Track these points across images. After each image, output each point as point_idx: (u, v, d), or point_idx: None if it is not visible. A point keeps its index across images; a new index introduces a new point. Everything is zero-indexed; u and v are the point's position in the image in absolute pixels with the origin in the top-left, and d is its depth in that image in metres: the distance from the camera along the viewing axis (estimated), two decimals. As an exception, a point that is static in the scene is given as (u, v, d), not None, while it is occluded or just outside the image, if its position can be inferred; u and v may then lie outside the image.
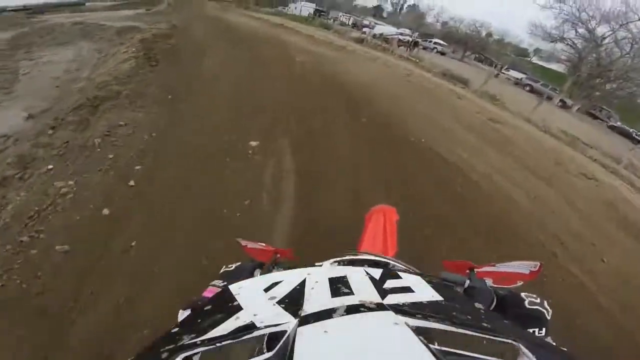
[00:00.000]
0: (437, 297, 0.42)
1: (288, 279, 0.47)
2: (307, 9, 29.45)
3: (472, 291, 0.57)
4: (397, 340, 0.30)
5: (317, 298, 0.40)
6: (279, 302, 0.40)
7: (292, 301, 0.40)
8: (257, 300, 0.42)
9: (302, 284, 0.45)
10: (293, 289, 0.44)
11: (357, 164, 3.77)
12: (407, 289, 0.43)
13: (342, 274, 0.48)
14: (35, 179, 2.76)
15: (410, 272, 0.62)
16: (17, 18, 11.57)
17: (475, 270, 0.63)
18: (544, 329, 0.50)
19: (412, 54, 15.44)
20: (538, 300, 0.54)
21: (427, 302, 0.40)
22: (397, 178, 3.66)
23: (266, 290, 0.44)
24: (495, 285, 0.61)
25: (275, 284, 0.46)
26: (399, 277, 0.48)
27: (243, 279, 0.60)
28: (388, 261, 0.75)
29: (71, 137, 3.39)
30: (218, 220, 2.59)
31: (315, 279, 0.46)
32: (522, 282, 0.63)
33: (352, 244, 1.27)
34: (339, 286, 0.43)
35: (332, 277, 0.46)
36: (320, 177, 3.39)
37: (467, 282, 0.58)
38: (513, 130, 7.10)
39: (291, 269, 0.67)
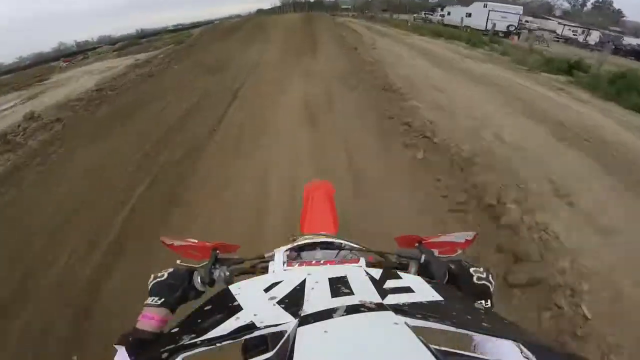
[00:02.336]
0: (437, 297, 0.42)
1: (288, 279, 0.47)
2: (481, 17, 17.11)
3: (428, 266, 0.60)
4: (397, 340, 0.30)
5: (317, 298, 0.40)
6: (279, 302, 0.40)
7: (292, 301, 0.40)
8: (257, 301, 0.42)
9: (302, 284, 0.45)
10: (293, 289, 0.44)
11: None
12: (407, 289, 0.43)
13: (342, 274, 0.48)
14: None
15: (363, 250, 0.67)
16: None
17: (423, 242, 0.68)
18: (489, 301, 0.55)
19: None
20: (484, 275, 0.58)
21: (427, 302, 0.40)
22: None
23: (266, 290, 0.44)
24: (442, 256, 0.66)
25: (275, 284, 0.46)
26: (399, 277, 0.48)
27: (181, 289, 0.59)
28: (340, 241, 0.73)
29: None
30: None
31: (315, 279, 0.46)
32: (460, 251, 0.71)
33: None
34: (339, 286, 0.43)
35: (332, 277, 0.46)
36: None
37: (423, 256, 0.62)
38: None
39: (237, 265, 0.66)
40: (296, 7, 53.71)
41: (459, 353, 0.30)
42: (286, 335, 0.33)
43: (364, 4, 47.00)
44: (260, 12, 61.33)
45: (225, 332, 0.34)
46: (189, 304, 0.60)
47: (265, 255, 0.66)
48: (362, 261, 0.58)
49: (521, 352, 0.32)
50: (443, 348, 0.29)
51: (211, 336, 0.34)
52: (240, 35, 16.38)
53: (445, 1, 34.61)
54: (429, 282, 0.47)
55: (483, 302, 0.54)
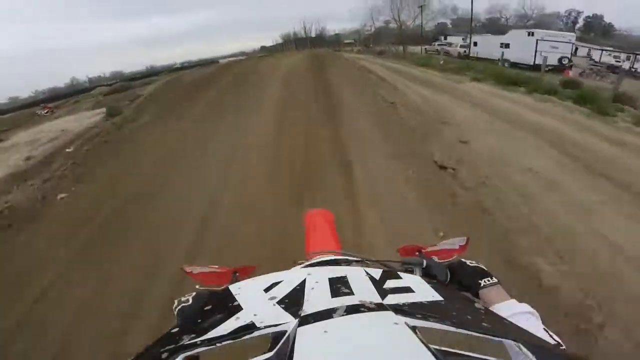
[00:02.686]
0: (437, 297, 0.42)
1: (288, 279, 0.47)
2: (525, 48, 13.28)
3: (430, 269, 0.65)
4: (397, 340, 0.30)
5: (317, 298, 0.40)
6: (279, 302, 0.40)
7: (292, 301, 0.40)
8: (257, 301, 0.42)
9: (302, 284, 0.45)
10: (293, 289, 0.44)
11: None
12: (407, 289, 0.43)
13: (342, 274, 0.48)
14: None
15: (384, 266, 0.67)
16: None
17: (423, 251, 0.73)
18: (493, 277, 0.59)
19: None
20: (474, 262, 0.65)
21: (427, 302, 0.40)
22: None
23: (266, 290, 0.44)
24: (440, 260, 0.71)
25: (275, 284, 0.46)
26: (399, 277, 0.48)
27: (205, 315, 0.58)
28: (346, 257, 0.76)
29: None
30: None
31: (316, 279, 0.46)
32: (456, 255, 0.76)
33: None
34: (339, 286, 0.43)
35: (332, 277, 0.46)
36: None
37: (424, 261, 0.67)
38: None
39: None
40: (298, 44, 50.65)
41: (459, 353, 0.30)
42: (286, 335, 0.33)
43: (367, 37, 42.41)
44: (264, 49, 59.00)
45: (225, 332, 0.34)
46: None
47: None
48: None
49: (521, 352, 0.32)
50: (443, 348, 0.29)
51: (211, 336, 0.34)
52: (216, 95, 11.12)
53: (444, 30, 32.00)
54: (428, 282, 0.47)
55: (488, 279, 0.59)
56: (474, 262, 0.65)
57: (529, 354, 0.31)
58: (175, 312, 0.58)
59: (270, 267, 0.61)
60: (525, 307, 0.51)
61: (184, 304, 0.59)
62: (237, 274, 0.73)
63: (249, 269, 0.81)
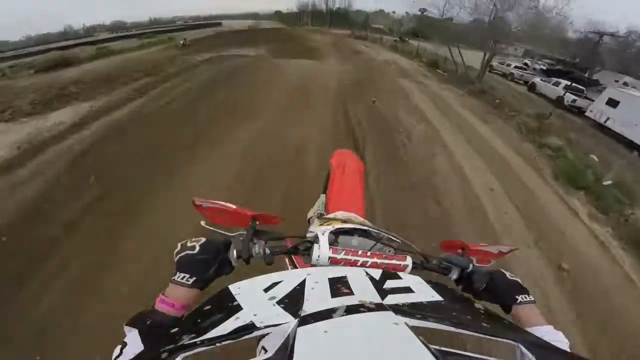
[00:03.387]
0: (437, 297, 0.42)
1: (288, 279, 0.47)
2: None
3: (473, 275, 0.62)
4: (397, 340, 0.30)
5: (317, 298, 0.40)
6: (279, 302, 0.40)
7: (292, 301, 0.40)
8: (257, 300, 0.42)
9: (302, 284, 0.45)
10: (293, 289, 0.44)
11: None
12: (407, 290, 0.43)
13: (342, 274, 0.48)
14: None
15: (412, 251, 0.64)
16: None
17: (466, 248, 0.69)
18: (530, 295, 0.57)
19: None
20: (514, 275, 0.62)
21: (427, 302, 0.40)
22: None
23: (266, 290, 0.44)
24: (480, 265, 0.67)
25: (275, 284, 0.46)
26: (398, 277, 0.48)
27: (215, 265, 0.51)
28: (379, 232, 0.69)
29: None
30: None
31: (315, 279, 0.46)
32: (494, 261, 0.73)
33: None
34: (338, 286, 0.43)
35: (332, 277, 0.46)
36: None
37: (471, 266, 0.63)
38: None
39: (277, 241, 0.59)
40: (314, 17, 40.90)
41: (459, 353, 0.30)
42: (286, 335, 0.33)
43: (405, 29, 31.03)
44: (279, 15, 51.31)
45: (225, 332, 0.34)
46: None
47: (307, 235, 0.63)
48: (409, 259, 0.57)
49: (521, 352, 0.32)
50: (443, 348, 0.29)
51: (211, 336, 0.34)
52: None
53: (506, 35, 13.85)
54: (428, 282, 0.47)
55: (525, 295, 0.56)
56: (513, 275, 0.61)
57: (529, 354, 0.31)
58: (176, 259, 0.51)
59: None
60: (561, 336, 0.49)
61: (188, 251, 0.51)
62: (257, 221, 0.61)
63: (272, 218, 0.68)
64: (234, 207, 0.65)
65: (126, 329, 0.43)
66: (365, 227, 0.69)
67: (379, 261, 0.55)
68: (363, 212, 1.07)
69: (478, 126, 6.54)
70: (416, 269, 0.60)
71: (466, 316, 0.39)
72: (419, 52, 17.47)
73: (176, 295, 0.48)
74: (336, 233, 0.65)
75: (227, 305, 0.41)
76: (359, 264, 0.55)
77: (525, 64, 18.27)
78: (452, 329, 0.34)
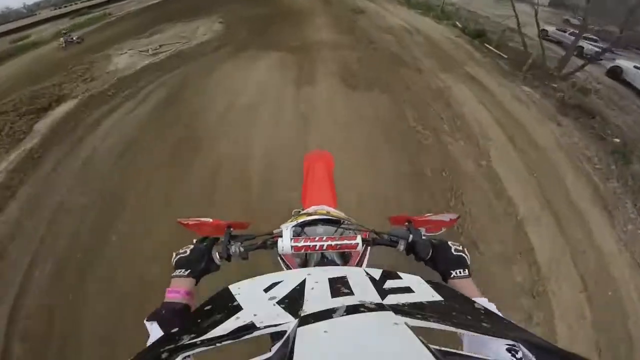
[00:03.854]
0: (437, 297, 0.42)
1: (288, 279, 0.47)
2: None
3: (415, 245, 0.67)
4: (397, 340, 0.30)
5: (317, 298, 0.40)
6: (279, 302, 0.40)
7: (292, 301, 0.40)
8: (257, 301, 0.42)
9: (302, 284, 0.45)
10: (293, 289, 0.44)
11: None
12: (407, 289, 0.43)
13: (342, 274, 0.48)
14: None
15: (361, 230, 0.72)
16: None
17: (412, 221, 0.73)
18: (467, 270, 0.62)
19: None
20: (460, 248, 0.66)
21: (427, 302, 0.40)
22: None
23: (266, 290, 0.44)
24: (428, 234, 0.72)
25: (275, 284, 0.46)
26: (399, 277, 0.48)
27: (204, 263, 0.66)
28: (339, 218, 0.81)
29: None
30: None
31: (315, 279, 0.46)
32: (444, 229, 0.80)
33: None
34: (338, 286, 0.43)
35: (332, 277, 0.46)
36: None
37: (410, 236, 0.68)
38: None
39: (249, 241, 0.71)
40: None
41: (458, 353, 0.30)
42: (286, 335, 0.33)
43: None
44: None
45: (225, 332, 0.34)
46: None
47: (274, 232, 0.71)
48: (359, 238, 0.62)
49: (520, 352, 0.32)
50: (443, 348, 0.29)
51: (211, 336, 0.34)
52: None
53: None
54: (428, 282, 0.47)
55: (460, 270, 0.62)
56: (459, 246, 0.66)
57: (529, 353, 0.31)
58: (173, 263, 0.65)
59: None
60: (494, 308, 0.53)
61: (181, 255, 0.66)
62: (231, 228, 0.74)
63: (243, 224, 0.82)
64: (211, 220, 0.79)
65: (147, 324, 0.53)
66: (327, 217, 0.82)
67: (332, 243, 0.62)
68: (334, 203, 1.23)
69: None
70: (368, 244, 0.70)
71: (466, 316, 0.39)
72: (444, 8, 11.08)
73: (178, 285, 0.61)
74: (302, 225, 0.79)
75: (227, 305, 0.41)
76: (317, 247, 0.62)
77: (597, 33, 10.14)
78: (452, 329, 0.34)
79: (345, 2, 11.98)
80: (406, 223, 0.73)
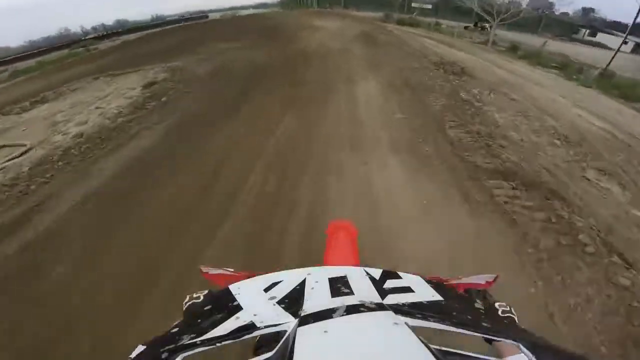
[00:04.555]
0: (437, 297, 0.42)
1: (288, 279, 0.47)
2: None
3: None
4: (397, 340, 0.30)
5: (317, 298, 0.40)
6: (279, 302, 0.40)
7: (292, 301, 0.40)
8: (257, 300, 0.42)
9: (302, 284, 0.45)
10: (293, 289, 0.44)
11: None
12: (407, 289, 0.43)
13: (342, 274, 0.48)
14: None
15: None
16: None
17: (445, 283, 0.64)
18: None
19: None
20: (508, 308, 0.57)
21: (427, 302, 0.40)
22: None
23: (266, 290, 0.44)
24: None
25: (275, 284, 0.46)
26: (399, 277, 0.48)
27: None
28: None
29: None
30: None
31: (315, 279, 0.46)
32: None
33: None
34: (339, 286, 0.43)
35: (332, 277, 0.46)
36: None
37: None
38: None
39: None
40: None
41: (459, 353, 0.30)
42: (286, 335, 0.33)
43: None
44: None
45: (225, 332, 0.34)
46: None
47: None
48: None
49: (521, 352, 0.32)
50: (443, 348, 0.29)
51: (211, 336, 0.34)
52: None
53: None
54: (429, 282, 0.47)
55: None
56: (506, 307, 0.56)
57: (529, 353, 0.31)
58: (185, 307, 0.57)
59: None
60: None
61: (194, 301, 0.58)
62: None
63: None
64: (232, 270, 0.77)
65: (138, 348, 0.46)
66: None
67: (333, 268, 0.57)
68: None
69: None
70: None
71: (466, 316, 0.39)
72: (543, 53, 8.83)
73: None
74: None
75: (227, 305, 0.41)
76: None
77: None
78: (452, 328, 0.34)
79: (410, 44, 8.54)
80: None
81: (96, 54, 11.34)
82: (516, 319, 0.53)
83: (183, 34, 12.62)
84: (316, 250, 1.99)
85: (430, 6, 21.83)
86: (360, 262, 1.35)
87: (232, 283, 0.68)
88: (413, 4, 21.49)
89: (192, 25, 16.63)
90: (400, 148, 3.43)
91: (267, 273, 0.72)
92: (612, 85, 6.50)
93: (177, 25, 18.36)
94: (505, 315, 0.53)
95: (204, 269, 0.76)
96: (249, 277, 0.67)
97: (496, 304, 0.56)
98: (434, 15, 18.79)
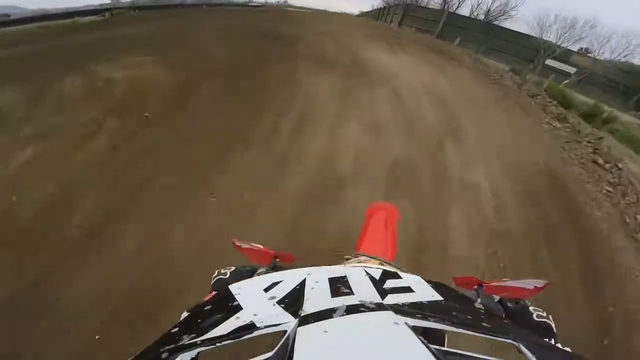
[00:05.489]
0: (437, 297, 0.42)
1: (288, 278, 0.47)
2: None
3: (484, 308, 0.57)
4: (397, 340, 0.30)
5: (317, 298, 0.40)
6: (279, 302, 0.40)
7: (292, 301, 0.40)
8: (257, 300, 0.42)
9: (302, 283, 0.45)
10: (293, 289, 0.44)
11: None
12: (407, 289, 0.43)
13: (342, 274, 0.48)
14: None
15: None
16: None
17: (484, 285, 0.63)
18: (552, 340, 0.51)
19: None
20: (544, 314, 0.55)
21: (427, 302, 0.40)
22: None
23: (266, 290, 0.44)
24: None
25: (275, 283, 0.46)
26: (399, 277, 0.48)
27: None
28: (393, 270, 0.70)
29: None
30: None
31: (315, 279, 0.46)
32: (530, 300, 0.63)
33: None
34: (339, 286, 0.43)
35: (332, 277, 0.46)
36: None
37: (478, 299, 0.58)
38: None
39: None
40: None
41: (459, 353, 0.30)
42: (286, 335, 0.33)
43: None
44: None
45: (225, 332, 0.34)
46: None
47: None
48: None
49: (521, 352, 0.32)
50: (443, 348, 0.29)
51: (211, 336, 0.34)
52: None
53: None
54: (429, 282, 0.47)
55: (547, 340, 0.50)
56: (542, 312, 0.54)
57: (529, 353, 0.31)
58: (212, 281, 0.67)
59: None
60: None
61: (221, 276, 0.67)
62: (277, 258, 0.76)
63: (289, 257, 0.83)
64: (262, 247, 0.82)
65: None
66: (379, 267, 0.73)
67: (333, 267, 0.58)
68: (392, 255, 1.14)
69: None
70: None
71: (466, 316, 0.39)
72: None
73: None
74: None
75: (227, 305, 0.41)
76: None
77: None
78: (452, 328, 0.34)
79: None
80: (475, 287, 0.62)
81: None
82: (553, 326, 0.52)
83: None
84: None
85: (573, 71, 12.17)
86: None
87: (259, 258, 0.79)
88: (547, 62, 13.26)
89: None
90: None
91: (284, 252, 0.79)
92: None
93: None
94: (541, 320, 0.53)
95: (237, 242, 0.82)
96: (274, 255, 0.77)
97: (530, 308, 0.56)
98: (575, 87, 10.70)
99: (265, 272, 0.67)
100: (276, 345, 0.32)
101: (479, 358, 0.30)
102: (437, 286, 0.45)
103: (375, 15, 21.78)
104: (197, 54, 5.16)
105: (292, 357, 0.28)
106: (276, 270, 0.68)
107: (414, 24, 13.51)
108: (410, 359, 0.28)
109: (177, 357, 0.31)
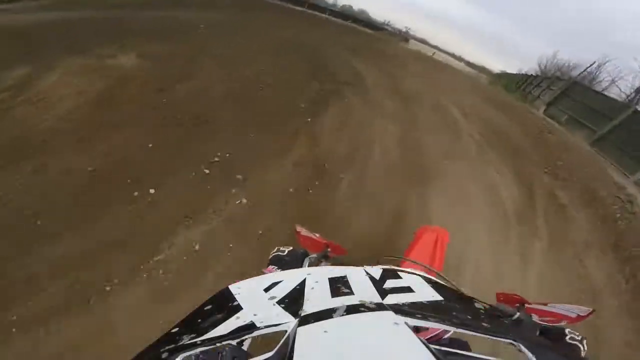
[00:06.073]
0: (437, 297, 0.42)
1: (288, 278, 0.47)
2: None
3: (519, 323, 0.57)
4: (397, 340, 0.30)
5: (317, 298, 0.40)
6: (279, 302, 0.40)
7: (292, 301, 0.40)
8: (257, 300, 0.42)
9: (302, 283, 0.45)
10: (293, 289, 0.44)
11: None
12: (407, 289, 0.43)
13: (342, 274, 0.48)
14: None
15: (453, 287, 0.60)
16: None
17: (526, 305, 0.62)
18: None
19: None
20: (579, 338, 0.55)
21: (427, 302, 0.40)
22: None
23: (266, 290, 0.44)
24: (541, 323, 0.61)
25: (275, 283, 0.46)
26: (399, 277, 0.48)
27: (294, 265, 0.73)
28: (435, 279, 0.66)
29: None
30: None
31: (315, 279, 0.46)
32: (565, 323, 0.61)
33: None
34: (339, 286, 0.43)
35: (332, 277, 0.46)
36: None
37: (517, 314, 0.58)
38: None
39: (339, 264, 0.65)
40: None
41: (459, 353, 0.30)
42: (286, 335, 0.33)
43: None
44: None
45: (225, 332, 0.34)
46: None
47: (365, 268, 0.66)
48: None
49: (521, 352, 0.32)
50: (443, 348, 0.29)
51: (211, 336, 0.34)
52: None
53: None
54: (429, 282, 0.47)
55: None
56: (577, 335, 0.54)
57: (529, 353, 0.31)
58: (270, 256, 0.75)
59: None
60: None
61: (279, 253, 0.76)
62: (329, 248, 0.82)
63: (340, 249, 0.88)
64: (317, 236, 0.90)
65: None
66: (423, 274, 0.67)
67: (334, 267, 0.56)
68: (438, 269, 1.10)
69: None
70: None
71: (466, 316, 0.39)
72: None
73: None
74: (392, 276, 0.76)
75: (228, 305, 0.41)
76: None
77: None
78: (452, 328, 0.34)
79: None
80: (517, 305, 0.62)
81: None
82: (583, 351, 0.52)
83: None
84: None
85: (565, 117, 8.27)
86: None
87: (312, 246, 0.86)
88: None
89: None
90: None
91: (335, 242, 0.86)
92: None
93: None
94: (573, 342, 0.53)
95: (298, 229, 0.90)
96: (326, 244, 0.83)
97: (566, 330, 0.56)
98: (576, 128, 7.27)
99: (317, 259, 0.76)
100: (276, 345, 0.32)
101: (479, 358, 0.30)
102: (437, 286, 0.45)
103: (517, 83, 14.79)
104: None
105: (292, 357, 0.28)
106: (326, 259, 0.79)
107: (568, 110, 8.41)
108: (410, 358, 0.28)
109: (177, 357, 0.31)
